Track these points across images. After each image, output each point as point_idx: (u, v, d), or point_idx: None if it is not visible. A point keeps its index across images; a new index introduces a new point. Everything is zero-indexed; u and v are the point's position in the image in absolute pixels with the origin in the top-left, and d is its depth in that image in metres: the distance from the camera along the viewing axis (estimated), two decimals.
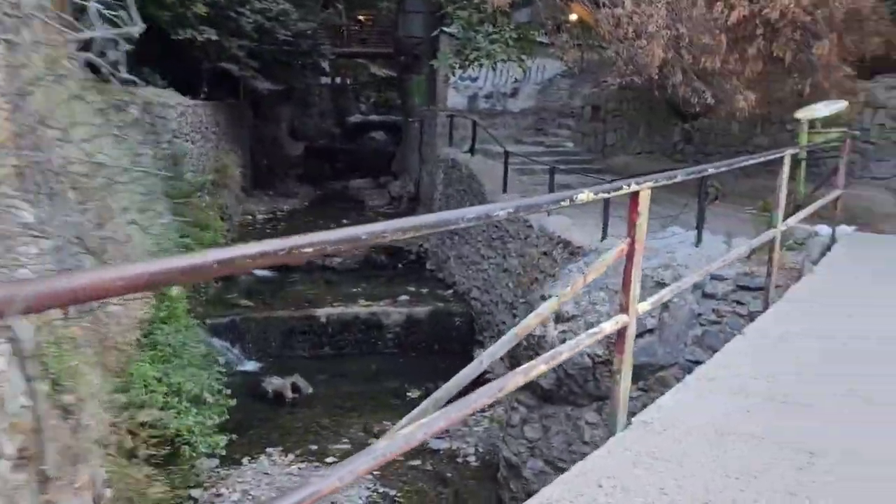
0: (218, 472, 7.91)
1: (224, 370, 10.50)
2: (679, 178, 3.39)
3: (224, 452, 7.78)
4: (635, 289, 2.86)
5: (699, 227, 7.38)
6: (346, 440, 9.17)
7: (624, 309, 2.80)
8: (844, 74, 9.05)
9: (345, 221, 21.20)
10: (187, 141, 17.53)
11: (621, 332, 2.80)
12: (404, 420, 1.96)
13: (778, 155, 5.26)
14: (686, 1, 9.48)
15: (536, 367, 2.23)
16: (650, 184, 2.91)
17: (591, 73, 12.36)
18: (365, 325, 12.61)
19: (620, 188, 2.74)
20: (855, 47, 9.27)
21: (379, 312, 12.78)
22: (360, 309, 12.90)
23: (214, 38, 18.04)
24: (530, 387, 7.14)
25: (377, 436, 8.83)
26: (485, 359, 2.23)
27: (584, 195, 2.43)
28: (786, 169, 5.29)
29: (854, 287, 5.64)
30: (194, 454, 6.95)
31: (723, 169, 4.43)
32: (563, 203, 2.34)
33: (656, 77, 9.55)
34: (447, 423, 1.80)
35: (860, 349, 4.07)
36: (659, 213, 9.04)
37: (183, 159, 16.65)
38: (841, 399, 3.30)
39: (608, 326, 2.73)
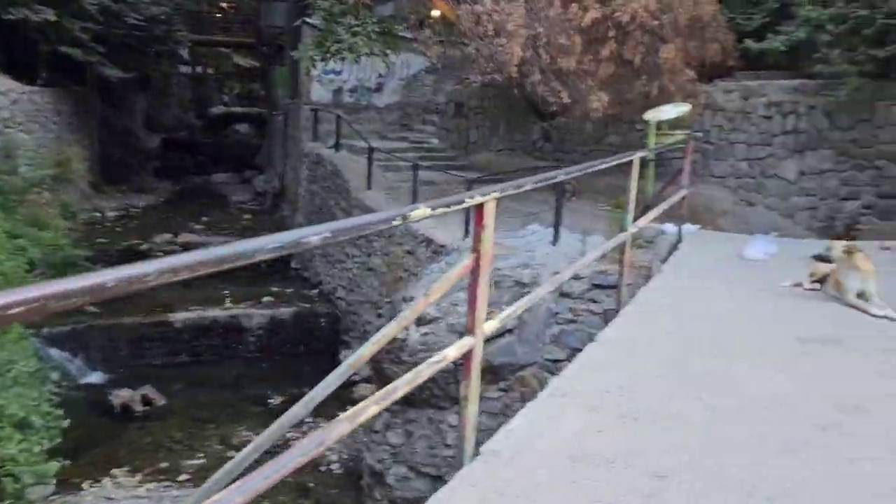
0: (53, 500, 7.17)
1: (62, 385, 9.63)
2: (526, 188, 3.30)
3: (56, 480, 7.05)
4: (482, 308, 2.72)
5: (556, 226, 7.48)
6: (201, 455, 8.64)
7: (469, 330, 2.64)
8: (687, 78, 9.52)
9: (205, 218, 20.11)
10: (21, 131, 16.03)
11: (467, 356, 2.63)
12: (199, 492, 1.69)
13: (628, 158, 5.36)
14: (544, 1, 9.63)
15: (366, 410, 2.03)
16: (496, 194, 2.77)
17: (455, 69, 12.36)
18: (224, 329, 12.00)
19: (462, 201, 2.59)
20: (696, 52, 9.78)
21: (240, 315, 12.21)
22: (220, 312, 12.25)
23: (53, 18, 16.51)
24: None
25: (237, 448, 8.35)
26: (310, 402, 2.00)
27: (420, 211, 2.25)
28: (635, 172, 5.40)
29: (700, 286, 5.87)
30: (18, 486, 6.22)
31: (572, 175, 4.42)
32: (394, 222, 2.15)
33: (516, 76, 9.65)
34: (247, 497, 1.56)
35: (708, 351, 4.16)
36: (520, 211, 9.13)
37: (16, 152, 15.19)
38: (691, 411, 3.30)
39: (452, 352, 2.55)
